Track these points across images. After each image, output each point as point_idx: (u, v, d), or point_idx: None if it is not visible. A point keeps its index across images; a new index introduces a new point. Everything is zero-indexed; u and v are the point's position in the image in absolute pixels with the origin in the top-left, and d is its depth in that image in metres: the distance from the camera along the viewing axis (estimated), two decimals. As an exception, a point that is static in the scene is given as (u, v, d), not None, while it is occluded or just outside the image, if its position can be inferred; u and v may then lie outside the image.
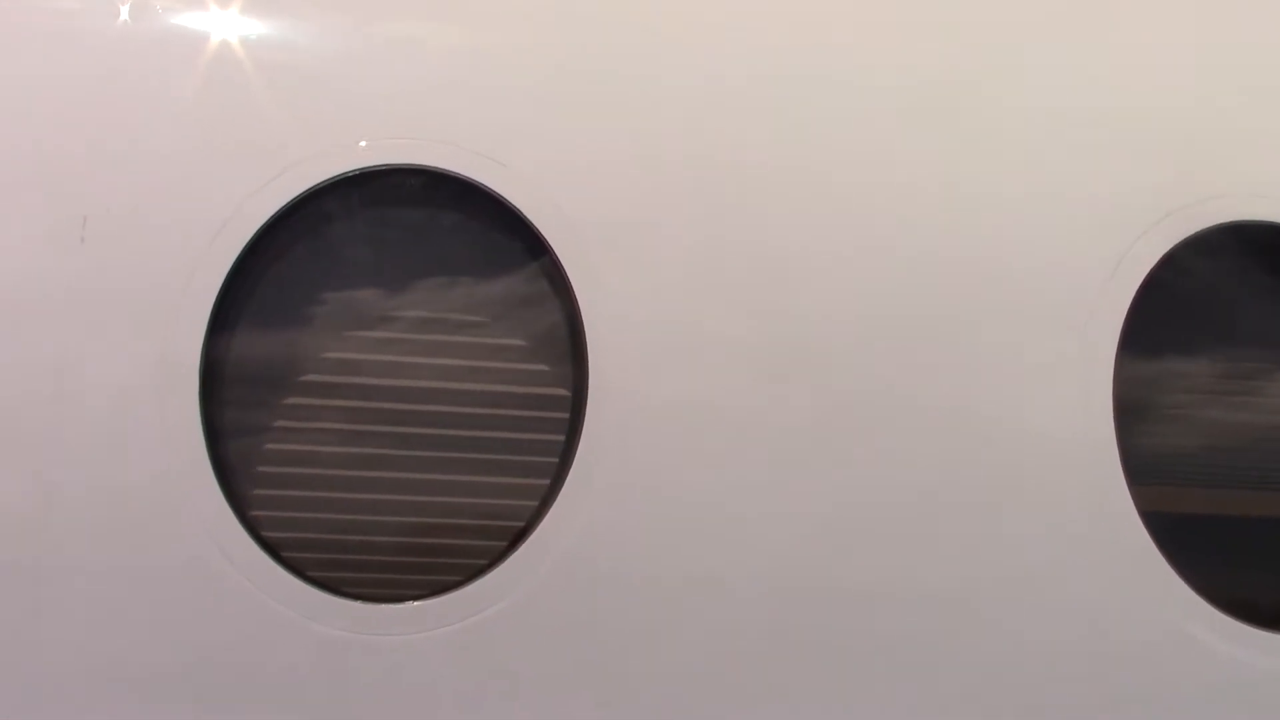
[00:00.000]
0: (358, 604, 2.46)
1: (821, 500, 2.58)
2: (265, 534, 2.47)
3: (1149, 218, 2.77)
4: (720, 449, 2.57)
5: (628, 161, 2.64)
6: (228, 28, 2.59)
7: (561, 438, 2.58)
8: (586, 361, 2.55)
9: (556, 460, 2.57)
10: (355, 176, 2.58)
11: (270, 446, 2.57)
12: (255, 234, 2.52)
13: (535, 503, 2.56)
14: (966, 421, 2.63)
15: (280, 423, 2.58)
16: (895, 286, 2.67)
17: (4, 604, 2.36)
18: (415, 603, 2.47)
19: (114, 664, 2.39)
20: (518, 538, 2.53)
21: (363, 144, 2.58)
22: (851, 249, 2.67)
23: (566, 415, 2.59)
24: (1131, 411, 2.73)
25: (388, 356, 2.61)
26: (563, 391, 2.60)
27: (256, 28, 2.62)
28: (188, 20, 2.59)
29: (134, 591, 2.40)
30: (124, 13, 2.56)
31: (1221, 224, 2.80)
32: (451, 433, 2.59)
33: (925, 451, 2.62)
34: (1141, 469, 2.70)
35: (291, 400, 2.58)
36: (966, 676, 2.61)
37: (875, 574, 2.59)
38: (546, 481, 2.57)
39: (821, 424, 2.60)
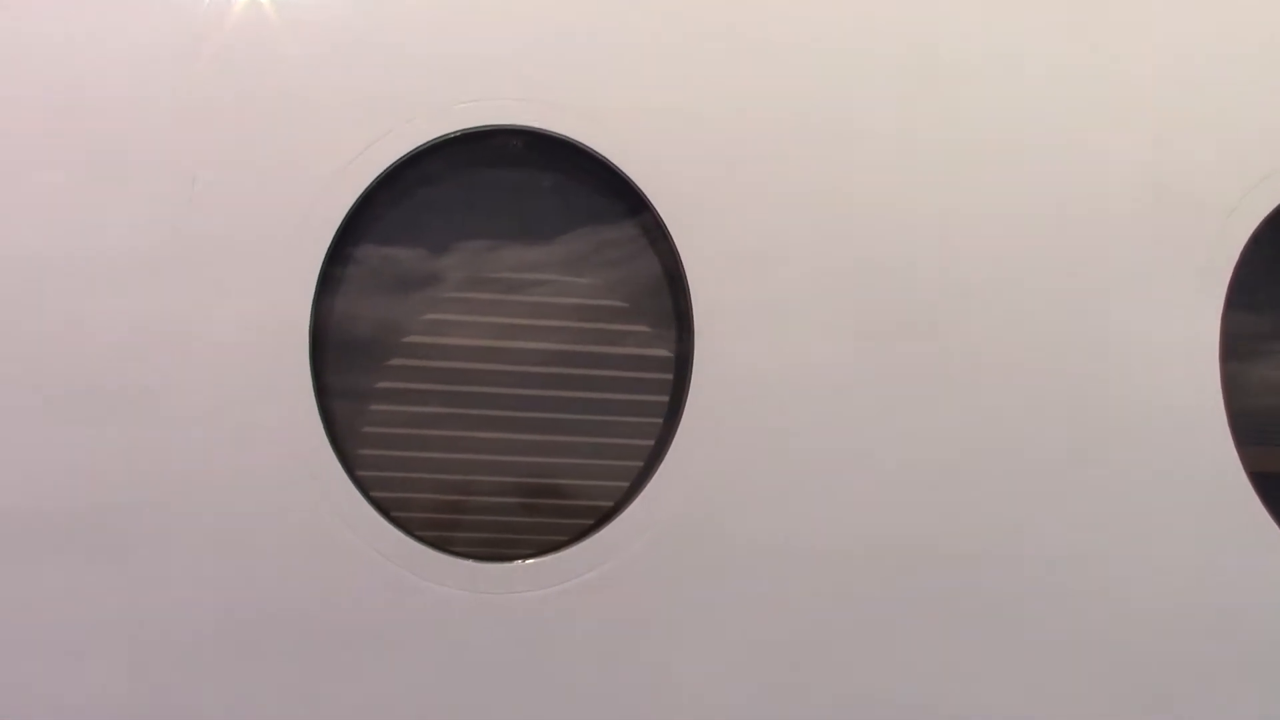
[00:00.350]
0: (468, 562, 2.47)
1: (933, 464, 2.57)
2: (374, 494, 2.48)
3: (1255, 173, 2.73)
4: (824, 410, 2.56)
5: (729, 117, 2.62)
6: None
7: (665, 398, 2.58)
8: (691, 321, 2.54)
9: (661, 420, 2.57)
10: (457, 138, 2.57)
11: (375, 406, 2.58)
12: (360, 196, 2.52)
13: (640, 463, 2.57)
14: (1074, 386, 2.62)
15: (386, 383, 2.59)
16: (1001, 243, 2.65)
17: (129, 558, 2.38)
18: (524, 561, 2.48)
19: (231, 620, 2.42)
20: (625, 498, 2.54)
21: (462, 105, 2.58)
22: (959, 201, 2.64)
23: (670, 375, 2.59)
24: (1238, 373, 2.70)
25: (490, 318, 2.61)
26: (666, 352, 2.60)
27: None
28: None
29: (249, 548, 2.42)
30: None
31: None
32: (556, 393, 2.60)
33: (1034, 416, 2.61)
34: (1249, 430, 2.66)
35: (397, 361, 2.59)
36: (1076, 634, 2.60)
37: (982, 536, 2.58)
38: (651, 442, 2.57)
39: (929, 385, 2.59)
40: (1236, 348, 2.70)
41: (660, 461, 2.52)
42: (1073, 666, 2.60)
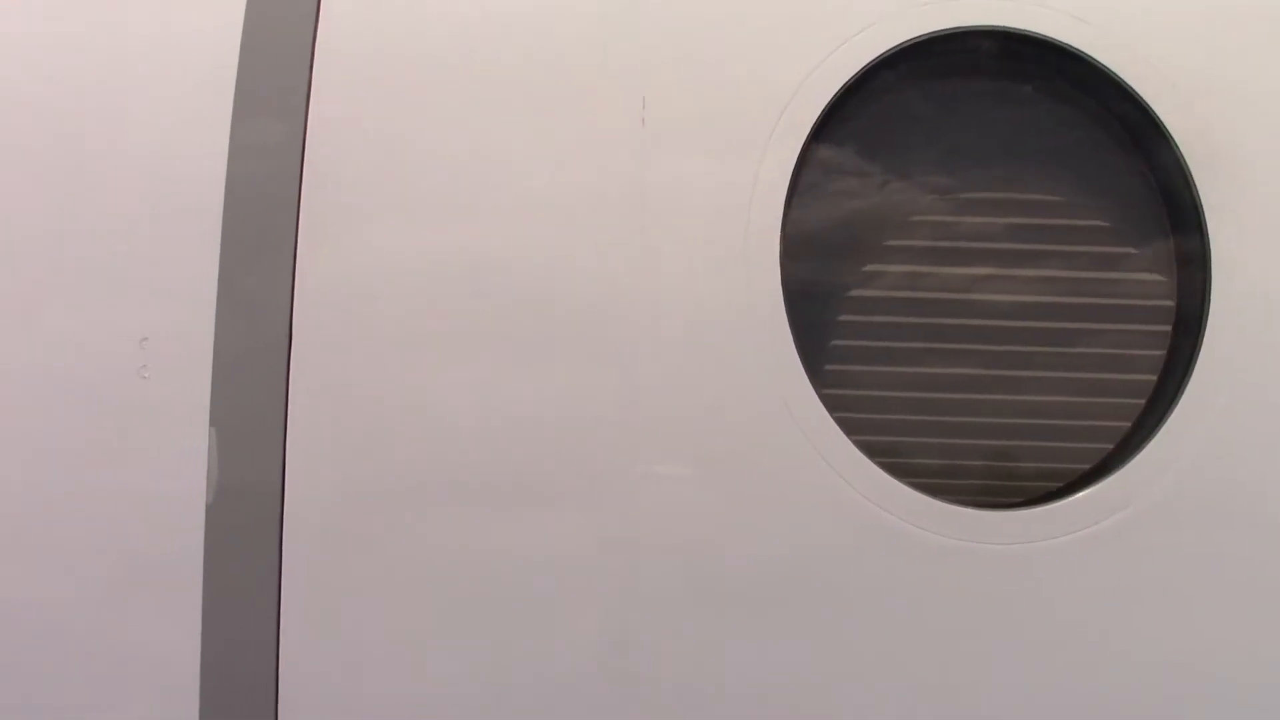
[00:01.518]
0: (966, 510, 2.24)
1: None
2: (853, 437, 2.27)
3: None
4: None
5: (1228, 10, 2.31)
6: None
7: (1168, 327, 2.31)
8: (1206, 242, 2.25)
9: (1164, 354, 2.31)
10: (922, 43, 2.32)
11: (844, 342, 2.37)
12: (822, 112, 2.29)
13: (1141, 402, 2.31)
14: None
15: (852, 316, 2.37)
16: None
17: (594, 504, 2.23)
18: (1029, 509, 2.25)
19: (708, 568, 2.24)
20: (1128, 442, 2.28)
21: (926, 5, 2.32)
22: None
23: (1173, 303, 2.32)
24: None
25: (967, 243, 2.37)
26: (1166, 278, 2.33)
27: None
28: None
29: (723, 488, 2.23)
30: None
31: None
32: (1044, 325, 2.34)
33: None
34: None
35: (864, 292, 2.37)
36: None
37: None
38: (1153, 378, 2.31)
39: None
40: None
41: (1174, 405, 2.24)
42: None
